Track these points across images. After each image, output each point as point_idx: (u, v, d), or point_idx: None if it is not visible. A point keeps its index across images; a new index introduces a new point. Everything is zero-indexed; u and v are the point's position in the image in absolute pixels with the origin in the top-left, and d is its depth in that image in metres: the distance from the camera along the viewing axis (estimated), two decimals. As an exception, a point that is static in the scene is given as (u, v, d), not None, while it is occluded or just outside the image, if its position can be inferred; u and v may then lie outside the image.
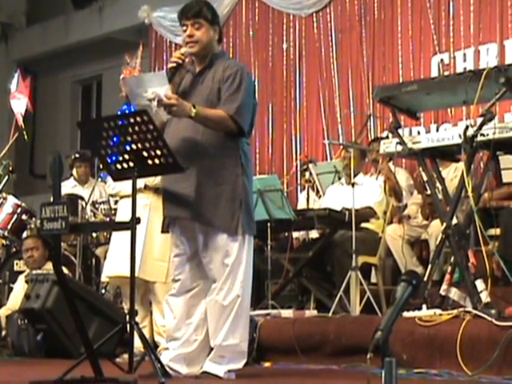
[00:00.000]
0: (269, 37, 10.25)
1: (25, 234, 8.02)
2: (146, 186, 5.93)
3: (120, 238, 5.92)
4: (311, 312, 6.37)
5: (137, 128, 4.29)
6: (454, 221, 5.21)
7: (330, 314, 6.08)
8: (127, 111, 5.34)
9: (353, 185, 6.46)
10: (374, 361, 2.70)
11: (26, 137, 9.04)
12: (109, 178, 6.13)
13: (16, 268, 7.96)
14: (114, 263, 6.02)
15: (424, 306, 4.99)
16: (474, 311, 4.72)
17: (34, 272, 6.96)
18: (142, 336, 4.52)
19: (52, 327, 6.33)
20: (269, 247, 6.67)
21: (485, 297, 4.87)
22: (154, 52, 11.55)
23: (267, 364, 5.50)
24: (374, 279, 6.84)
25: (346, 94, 9.33)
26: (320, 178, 7.92)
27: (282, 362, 5.48)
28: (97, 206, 8.01)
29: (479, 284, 4.92)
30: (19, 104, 8.79)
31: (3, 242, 8.24)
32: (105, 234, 7.99)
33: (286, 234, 7.18)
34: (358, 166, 7.06)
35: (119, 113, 5.21)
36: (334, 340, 5.30)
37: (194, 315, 4.62)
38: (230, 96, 4.50)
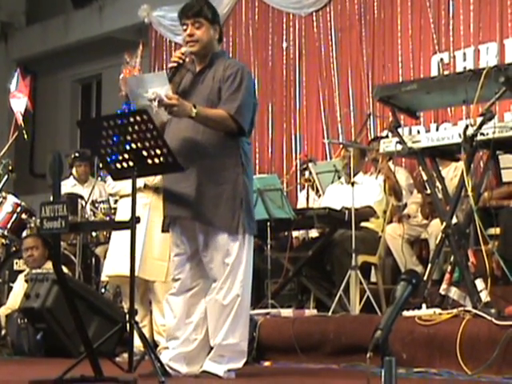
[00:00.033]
0: (268, 36, 10.25)
1: (24, 233, 8.02)
2: (145, 186, 5.93)
3: (120, 238, 5.92)
4: (311, 311, 6.37)
5: (136, 127, 4.29)
6: (454, 220, 5.21)
7: (330, 314, 6.09)
8: (127, 110, 5.33)
9: (352, 184, 6.46)
10: (374, 360, 2.70)
11: (25, 136, 9.04)
12: (108, 177, 6.12)
13: (16, 267, 7.96)
14: (114, 262, 6.02)
15: (424, 306, 4.99)
16: (474, 310, 4.72)
17: (34, 271, 6.96)
18: (141, 335, 4.52)
19: (52, 326, 6.33)
20: (268, 246, 6.67)
21: (484, 296, 4.87)
22: (153, 51, 11.54)
23: (267, 363, 5.50)
24: (373, 278, 6.84)
25: (346, 93, 9.33)
26: (320, 178, 7.92)
27: (282, 361, 5.49)
28: (96, 205, 8.01)
29: (479, 283, 4.92)
30: (19, 103, 8.79)
31: (3, 241, 8.24)
32: (104, 233, 7.99)
33: (286, 233, 7.18)
34: (358, 165, 7.06)
35: (119, 112, 5.20)
36: (334, 339, 5.30)
37: (193, 314, 4.62)
38: (231, 95, 4.50)
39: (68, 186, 8.64)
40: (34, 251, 7.25)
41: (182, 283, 4.62)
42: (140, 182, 5.57)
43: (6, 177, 8.47)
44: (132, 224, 4.33)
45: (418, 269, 6.48)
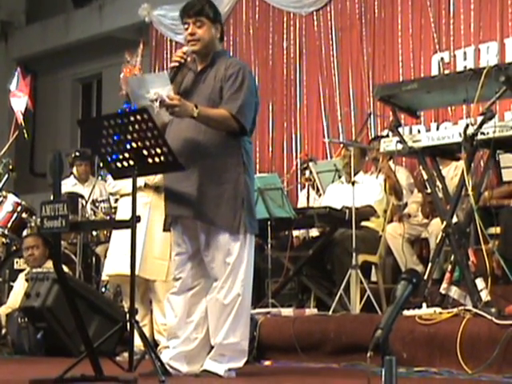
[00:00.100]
0: (269, 35, 10.25)
1: (25, 233, 8.03)
2: (146, 185, 5.93)
3: (120, 237, 5.92)
4: (311, 310, 6.37)
5: (137, 126, 4.29)
6: (455, 219, 5.21)
7: (330, 313, 6.09)
8: (127, 109, 5.33)
9: (353, 183, 6.47)
10: (374, 359, 2.69)
11: (26, 135, 9.04)
12: (109, 177, 6.13)
13: (16, 266, 7.97)
14: (114, 262, 6.02)
15: (424, 305, 4.98)
16: (474, 310, 4.71)
17: (34, 270, 6.97)
18: (142, 334, 4.52)
19: (52, 325, 6.33)
20: (269, 246, 6.67)
21: (485, 295, 4.87)
22: (154, 50, 11.54)
23: (267, 362, 5.50)
24: (374, 278, 6.84)
25: (347, 92, 9.33)
26: (320, 177, 7.92)
27: (282, 360, 5.49)
28: (97, 204, 8.02)
29: (479, 282, 4.92)
30: (19, 102, 8.79)
31: (3, 240, 8.24)
32: (105, 232, 8.00)
33: (287, 232, 7.18)
34: (359, 164, 7.06)
35: (119, 111, 5.20)
36: (334, 338, 5.30)
37: (194, 313, 4.62)
38: (232, 95, 4.50)
39: (68, 185, 8.64)
40: (35, 250, 7.26)
41: (183, 282, 4.62)
42: (140, 181, 5.57)
43: (6, 176, 8.48)
44: (132, 223, 4.33)
45: (418, 268, 6.48)
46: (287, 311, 6.16)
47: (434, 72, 8.37)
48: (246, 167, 4.55)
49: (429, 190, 6.07)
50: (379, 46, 9.09)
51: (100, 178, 8.53)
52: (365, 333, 4.68)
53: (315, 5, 9.70)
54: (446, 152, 5.45)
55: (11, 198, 8.11)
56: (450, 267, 5.15)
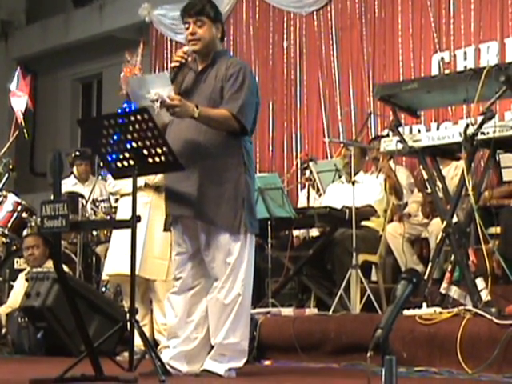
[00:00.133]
0: (269, 35, 10.25)
1: (25, 232, 8.02)
2: (146, 184, 5.93)
3: (120, 236, 5.92)
4: (311, 310, 6.37)
5: (137, 126, 4.29)
6: (455, 219, 5.21)
7: (331, 313, 6.09)
8: (128, 109, 5.34)
9: (353, 183, 6.47)
10: (375, 359, 2.69)
11: (26, 135, 9.04)
12: (109, 176, 6.13)
13: (16, 266, 7.97)
14: (115, 261, 6.03)
15: (424, 305, 4.98)
16: (474, 309, 4.72)
17: (35, 270, 6.97)
18: (142, 334, 4.52)
19: (52, 325, 6.33)
20: (269, 245, 6.67)
21: (485, 295, 4.87)
22: (154, 50, 11.54)
23: (267, 362, 5.50)
24: (374, 277, 6.84)
25: (347, 92, 9.33)
26: (320, 176, 7.92)
27: (283, 360, 5.48)
28: (97, 204, 8.02)
29: (479, 282, 4.92)
30: (19, 102, 8.79)
31: (3, 239, 8.24)
32: (105, 232, 8.00)
33: (287, 232, 7.18)
34: (359, 164, 7.06)
35: (119, 111, 5.21)
36: (335, 338, 5.30)
37: (194, 313, 4.62)
38: (233, 94, 4.50)
39: (69, 184, 8.64)
40: (35, 250, 7.26)
41: (184, 282, 4.62)
42: (140, 180, 5.57)
43: (6, 175, 8.48)
44: (133, 223, 4.34)
45: (418, 268, 6.48)
46: (287, 311, 6.16)
47: (435, 72, 8.37)
48: (247, 167, 4.55)
49: (429, 190, 6.07)
50: (379, 45, 9.09)
51: (100, 177, 8.53)
52: (365, 332, 4.68)
53: (315, 4, 9.70)
54: (446, 152, 5.45)
55: (11, 198, 8.11)
56: (450, 267, 5.15)
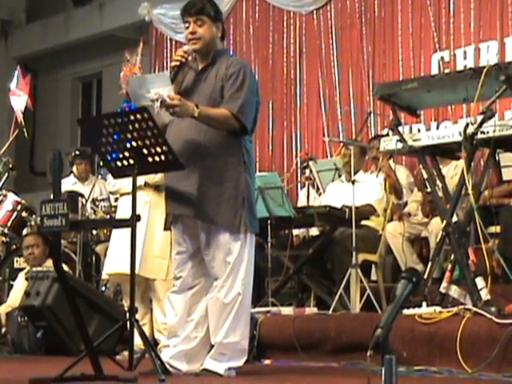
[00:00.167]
0: (269, 34, 10.25)
1: (25, 231, 8.02)
2: (146, 184, 5.93)
3: (120, 236, 5.92)
4: (311, 309, 6.38)
5: (137, 125, 4.29)
6: (454, 218, 5.21)
7: (330, 312, 6.09)
8: (127, 108, 5.33)
9: (353, 182, 6.47)
10: (374, 358, 2.69)
11: (26, 134, 9.04)
12: (109, 176, 6.13)
13: (16, 265, 7.97)
14: (114, 260, 6.03)
15: (424, 304, 4.99)
16: (474, 309, 4.72)
17: (34, 269, 6.97)
18: (142, 333, 4.52)
19: (52, 324, 6.33)
20: (269, 244, 6.67)
21: (485, 294, 4.87)
22: (154, 49, 11.54)
23: (267, 361, 5.50)
24: (374, 277, 6.84)
25: (347, 91, 9.33)
26: (320, 176, 7.92)
27: (282, 359, 5.49)
28: (97, 203, 8.02)
29: (479, 282, 4.92)
30: (19, 101, 8.79)
31: (3, 239, 8.24)
32: (105, 231, 7.99)
33: (286, 231, 7.18)
34: (359, 163, 7.05)
35: (119, 110, 5.20)
36: (334, 337, 5.30)
37: (194, 312, 4.62)
38: (233, 94, 4.49)
39: (68, 184, 8.63)
40: (35, 249, 7.26)
41: (184, 281, 4.62)
42: (140, 180, 5.57)
43: (6, 175, 8.47)
44: (132, 222, 4.34)
45: (418, 267, 6.48)
46: (287, 310, 6.17)
47: (434, 71, 8.37)
48: (247, 166, 4.55)
49: (429, 189, 6.07)
50: (379, 45, 9.09)
51: (100, 176, 8.53)
52: (365, 332, 4.68)
53: (315, 4, 9.70)
54: (446, 151, 5.45)
55: (11, 197, 8.11)
56: (449, 266, 5.15)
